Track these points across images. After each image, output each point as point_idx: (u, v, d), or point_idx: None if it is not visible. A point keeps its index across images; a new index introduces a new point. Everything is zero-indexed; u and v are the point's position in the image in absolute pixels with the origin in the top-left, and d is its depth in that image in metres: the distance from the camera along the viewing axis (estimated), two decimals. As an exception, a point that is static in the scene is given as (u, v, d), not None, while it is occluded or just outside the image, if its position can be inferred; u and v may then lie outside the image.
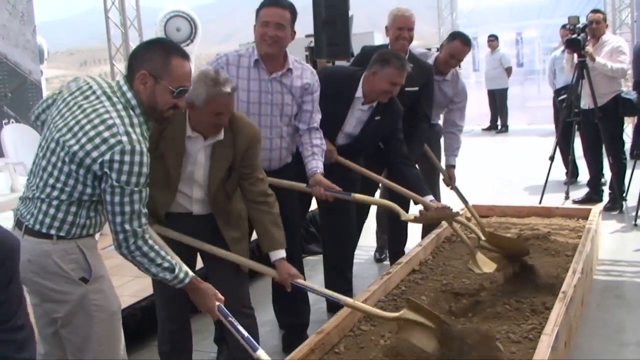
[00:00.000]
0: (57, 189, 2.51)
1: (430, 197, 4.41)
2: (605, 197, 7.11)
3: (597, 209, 5.68)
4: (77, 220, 2.56)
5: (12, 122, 6.76)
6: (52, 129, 2.54)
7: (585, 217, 5.49)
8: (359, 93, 4.28)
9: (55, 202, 2.52)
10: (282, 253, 3.33)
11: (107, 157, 2.40)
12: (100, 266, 2.69)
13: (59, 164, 2.49)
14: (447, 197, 5.47)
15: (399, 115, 4.44)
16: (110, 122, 2.44)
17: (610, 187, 6.99)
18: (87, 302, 2.59)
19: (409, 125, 4.69)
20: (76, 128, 2.46)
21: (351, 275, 4.75)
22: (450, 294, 4.12)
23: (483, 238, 4.59)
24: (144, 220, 2.56)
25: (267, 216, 3.34)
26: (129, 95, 2.55)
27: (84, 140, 2.43)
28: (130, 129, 2.46)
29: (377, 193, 5.26)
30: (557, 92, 8.40)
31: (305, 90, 3.90)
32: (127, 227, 2.51)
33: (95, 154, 2.41)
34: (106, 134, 2.42)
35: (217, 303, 2.81)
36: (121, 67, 9.55)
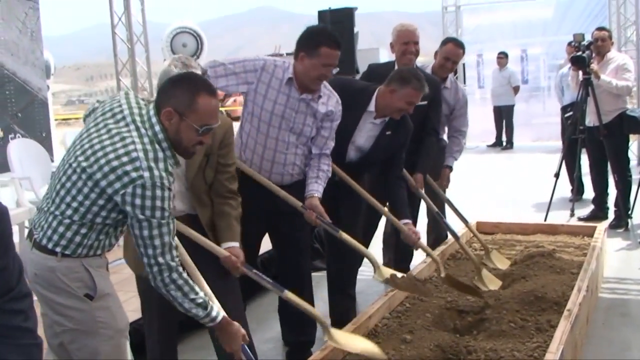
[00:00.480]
0: (72, 208, 2.52)
1: (405, 221, 4.38)
2: (611, 215, 7.09)
3: (602, 226, 5.67)
4: (85, 241, 2.56)
5: (19, 137, 6.78)
6: (77, 147, 2.55)
7: (591, 235, 5.48)
8: (372, 107, 4.29)
9: (66, 221, 2.53)
10: (237, 244, 3.34)
11: (129, 189, 2.42)
12: (107, 284, 2.69)
13: (79, 184, 2.49)
14: (451, 217, 5.47)
15: (410, 132, 4.46)
16: (134, 154, 2.45)
17: (616, 205, 6.98)
18: (92, 319, 2.60)
19: (416, 139, 4.71)
20: (100, 154, 2.47)
21: (354, 292, 4.75)
22: (455, 312, 4.11)
23: (442, 275, 4.52)
24: (175, 252, 2.56)
25: (234, 211, 3.36)
26: (157, 128, 2.55)
27: (106, 169, 2.44)
28: (153, 164, 2.46)
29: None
30: (564, 109, 8.43)
31: (327, 116, 3.94)
32: (160, 260, 2.51)
33: (117, 185, 2.43)
34: (128, 167, 2.43)
35: (242, 344, 2.79)
36: (127, 82, 9.58)
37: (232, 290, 3.41)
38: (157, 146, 2.52)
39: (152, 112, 2.59)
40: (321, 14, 8.91)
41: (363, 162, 4.38)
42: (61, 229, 2.53)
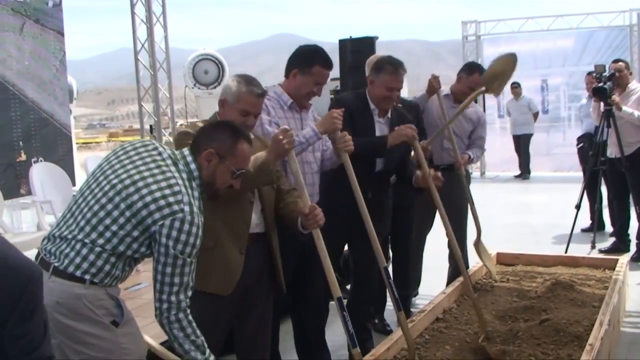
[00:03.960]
0: (105, 238, 2.50)
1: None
2: (633, 247, 7.01)
3: (624, 259, 5.61)
4: (113, 271, 2.55)
5: (41, 161, 6.82)
6: (108, 174, 2.55)
7: (612, 268, 5.41)
8: (372, 105, 4.34)
9: (97, 249, 2.50)
10: None
11: (167, 222, 2.46)
12: (128, 310, 2.68)
13: (115, 213, 2.49)
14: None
15: (412, 121, 4.53)
16: (176, 188, 2.51)
17: (638, 237, 6.89)
18: (117, 346, 2.57)
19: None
20: (140, 183, 2.49)
21: (372, 324, 4.74)
22: (476, 345, 4.05)
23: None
24: (189, 293, 2.59)
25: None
26: (193, 166, 2.65)
27: (148, 198, 2.47)
28: (192, 200, 2.54)
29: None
30: (579, 140, 8.43)
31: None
32: (172, 298, 2.54)
33: (157, 215, 2.46)
34: (171, 199, 2.48)
35: None
36: (149, 107, 9.67)
37: (267, 327, 3.45)
38: (193, 184, 2.61)
39: (186, 152, 2.69)
40: (342, 43, 8.95)
41: (387, 167, 4.41)
42: (92, 257, 2.50)
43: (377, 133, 4.35)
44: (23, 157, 6.77)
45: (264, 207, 3.29)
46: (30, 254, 6.65)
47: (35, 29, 7.05)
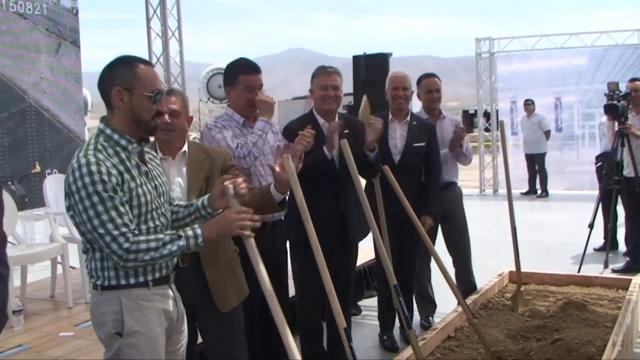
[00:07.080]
0: (83, 239, 2.58)
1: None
2: (646, 267, 6.96)
3: (637, 279, 5.56)
4: (105, 263, 2.55)
5: (55, 172, 6.85)
6: None
7: (625, 288, 5.38)
8: (320, 120, 4.32)
9: (89, 255, 2.59)
10: None
11: (70, 179, 2.45)
12: (140, 321, 2.60)
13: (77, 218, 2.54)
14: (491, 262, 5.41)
15: (358, 123, 4.54)
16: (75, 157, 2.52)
17: (651, 257, 6.86)
18: (122, 355, 2.58)
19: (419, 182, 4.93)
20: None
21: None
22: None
23: None
24: (132, 227, 2.46)
25: None
26: (108, 131, 2.55)
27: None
28: (82, 152, 2.48)
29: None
30: (597, 158, 8.40)
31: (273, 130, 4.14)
32: (115, 232, 2.42)
33: (66, 187, 2.49)
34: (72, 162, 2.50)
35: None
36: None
37: (237, 325, 3.39)
38: (95, 139, 2.54)
39: (101, 125, 2.59)
40: (356, 59, 8.98)
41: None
42: (87, 263, 2.61)
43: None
44: (37, 168, 6.80)
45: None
46: (44, 265, 6.67)
47: (72, 51, 7.16)
